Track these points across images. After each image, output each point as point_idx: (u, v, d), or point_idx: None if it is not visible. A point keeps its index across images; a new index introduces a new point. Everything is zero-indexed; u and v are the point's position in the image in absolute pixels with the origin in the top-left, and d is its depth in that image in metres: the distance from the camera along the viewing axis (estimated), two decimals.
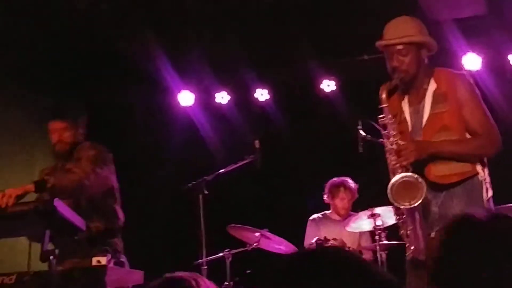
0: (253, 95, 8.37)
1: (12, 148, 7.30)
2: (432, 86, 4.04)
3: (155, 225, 7.96)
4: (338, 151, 7.51)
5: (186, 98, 8.48)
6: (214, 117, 8.45)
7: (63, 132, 4.87)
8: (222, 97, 8.45)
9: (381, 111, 4.06)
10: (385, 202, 5.90)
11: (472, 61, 7.49)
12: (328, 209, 6.80)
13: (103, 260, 4.33)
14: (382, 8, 7.37)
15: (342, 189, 6.64)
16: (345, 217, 6.62)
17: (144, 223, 7.48)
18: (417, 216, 3.87)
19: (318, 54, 7.87)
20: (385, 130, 4.06)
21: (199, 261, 5.95)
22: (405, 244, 5.76)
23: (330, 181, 6.73)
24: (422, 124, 4.03)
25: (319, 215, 6.80)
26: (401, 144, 3.92)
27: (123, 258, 4.78)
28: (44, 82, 7.60)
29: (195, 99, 8.49)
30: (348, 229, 6.24)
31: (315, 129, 8.03)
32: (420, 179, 3.81)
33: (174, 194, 6.99)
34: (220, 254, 6.18)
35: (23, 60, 7.27)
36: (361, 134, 5.84)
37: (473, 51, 7.48)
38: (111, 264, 4.41)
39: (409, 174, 3.84)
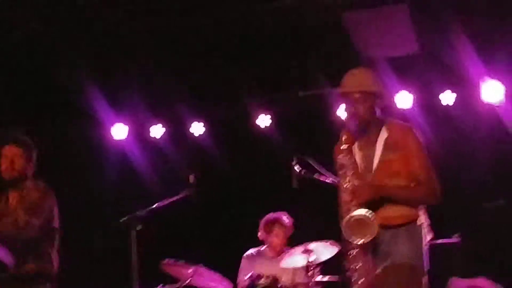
0: (189, 129, 8.33)
1: None
2: (383, 134, 4.32)
3: (88, 263, 7.73)
4: (273, 186, 7.52)
5: (119, 131, 8.40)
6: (149, 151, 8.39)
7: (16, 159, 4.85)
8: (157, 131, 8.39)
9: (340, 151, 4.31)
10: (319, 237, 6.02)
11: (404, 99, 7.63)
12: (263, 245, 6.77)
13: None
14: (318, 46, 7.54)
15: (277, 225, 6.63)
16: (280, 253, 6.59)
17: (77, 260, 7.32)
18: (367, 252, 4.12)
19: (254, 90, 7.93)
20: (341, 170, 4.30)
21: None
22: (339, 280, 5.94)
23: (265, 218, 6.71)
24: (372, 169, 4.28)
25: (253, 251, 6.75)
26: (357, 184, 4.20)
27: None
28: None
29: (129, 132, 8.42)
30: (282, 265, 6.21)
31: (251, 164, 8.05)
32: (373, 217, 4.06)
33: (107, 230, 6.88)
34: None
35: None
36: (295, 170, 5.87)
37: (405, 89, 7.63)
38: None
39: (363, 211, 4.09)
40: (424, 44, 7.28)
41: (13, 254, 4.49)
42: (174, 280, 6.23)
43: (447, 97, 7.65)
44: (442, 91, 7.65)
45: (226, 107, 8.24)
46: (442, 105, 7.66)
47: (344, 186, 4.23)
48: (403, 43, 7.30)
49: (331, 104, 7.78)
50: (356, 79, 4.37)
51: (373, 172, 4.26)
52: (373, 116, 4.34)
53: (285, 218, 6.66)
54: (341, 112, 7.82)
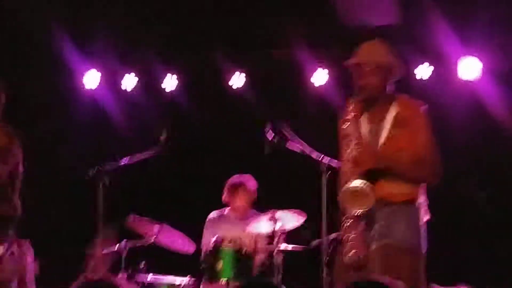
0: (162, 80, 8.22)
1: None
2: (394, 109, 4.32)
3: (53, 214, 7.69)
4: (244, 147, 7.49)
5: (91, 79, 8.27)
6: (121, 101, 8.28)
7: None
8: (129, 81, 8.27)
9: (345, 120, 4.33)
10: (285, 206, 6.05)
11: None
12: (226, 207, 6.79)
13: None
14: (294, 2, 7.47)
15: (241, 189, 6.63)
16: (244, 217, 6.63)
17: (42, 211, 7.28)
18: (362, 223, 4.18)
19: (228, 46, 7.83)
20: (345, 139, 4.32)
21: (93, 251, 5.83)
22: (300, 250, 5.98)
23: (229, 180, 6.70)
24: (378, 143, 4.30)
25: (216, 214, 6.77)
26: (360, 152, 4.21)
27: (16, 248, 4.62)
28: None
29: (101, 81, 8.28)
30: (249, 229, 6.24)
31: (223, 123, 8.00)
32: (370, 189, 4.10)
33: (74, 182, 6.82)
34: (116, 246, 6.06)
35: None
36: (267, 137, 5.83)
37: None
38: (7, 255, 4.30)
39: (362, 182, 4.11)
40: (403, 16, 7.25)
41: None
42: (138, 236, 6.23)
43: (423, 71, 7.63)
44: (416, 66, 7.62)
45: (199, 62, 8.14)
46: (416, 79, 7.65)
47: (347, 154, 4.24)
48: (384, 13, 7.26)
49: (304, 65, 7.77)
50: (371, 51, 4.37)
51: (379, 146, 4.28)
52: (384, 90, 4.34)
53: (250, 182, 6.67)
54: (317, 76, 7.84)
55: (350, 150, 4.24)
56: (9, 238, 4.52)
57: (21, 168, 4.73)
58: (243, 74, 8.07)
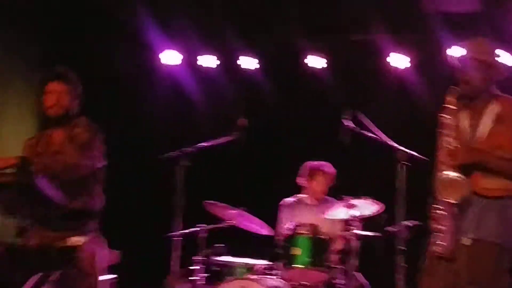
0: (240, 62, 8.25)
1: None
2: (494, 107, 4.33)
3: (130, 195, 7.82)
4: (321, 133, 7.47)
5: (171, 57, 8.37)
6: (200, 81, 8.36)
7: (62, 96, 4.71)
8: (209, 61, 8.34)
9: (446, 110, 4.33)
10: (360, 193, 6.04)
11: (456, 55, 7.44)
12: (300, 192, 6.81)
13: (80, 241, 4.35)
14: None
15: (320, 172, 6.64)
16: (320, 201, 6.65)
17: (119, 191, 7.43)
18: (453, 214, 4.18)
19: (308, 28, 7.79)
20: (443, 129, 4.34)
21: (173, 233, 5.96)
22: (376, 237, 5.98)
23: (309, 164, 6.71)
24: (477, 138, 4.29)
25: (292, 199, 6.79)
26: (455, 146, 4.24)
27: (99, 239, 4.73)
28: (29, 31, 7.47)
29: (182, 61, 8.39)
30: (326, 216, 6.27)
31: (301, 107, 7.99)
32: (465, 180, 4.12)
33: (151, 163, 6.94)
34: (195, 229, 6.18)
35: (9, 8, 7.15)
36: (345, 124, 5.82)
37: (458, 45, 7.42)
38: (88, 245, 4.41)
39: (457, 174, 4.14)
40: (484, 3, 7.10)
41: (62, 192, 4.48)
42: (216, 220, 6.33)
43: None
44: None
45: (278, 44, 8.13)
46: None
47: (444, 145, 4.27)
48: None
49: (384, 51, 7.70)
50: (478, 47, 4.38)
51: (478, 141, 4.27)
52: (487, 87, 4.35)
53: (330, 167, 6.67)
54: (394, 60, 7.74)
55: (445, 142, 4.26)
56: (90, 230, 4.61)
57: (103, 162, 4.78)
58: (323, 60, 8.02)
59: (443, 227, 4.18)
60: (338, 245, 6.45)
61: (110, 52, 7.98)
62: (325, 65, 8.04)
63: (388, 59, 7.75)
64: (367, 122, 5.60)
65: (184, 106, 8.25)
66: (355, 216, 5.99)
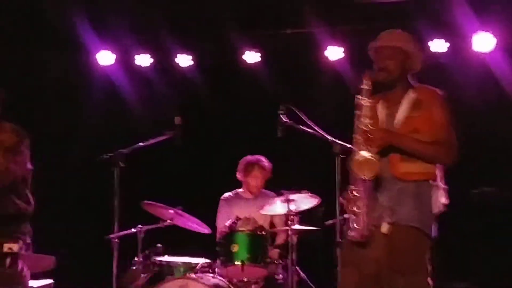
0: (175, 60, 8.22)
1: None
2: (411, 95, 4.32)
3: (66, 198, 7.76)
4: (257, 129, 7.48)
5: (105, 57, 8.27)
6: (135, 80, 8.29)
7: None
8: (143, 59, 8.27)
9: (360, 91, 4.27)
10: (298, 188, 6.07)
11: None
12: (240, 187, 6.83)
13: (15, 247, 4.27)
14: None
15: (256, 167, 6.67)
16: (257, 196, 6.68)
17: (54, 194, 7.34)
18: (369, 195, 4.15)
19: (241, 24, 7.79)
20: (358, 110, 4.26)
21: (111, 236, 5.90)
22: (317, 229, 6.01)
23: (244, 159, 6.74)
24: (394, 125, 4.30)
25: (230, 193, 6.81)
26: (371, 129, 4.18)
27: (31, 244, 4.67)
28: None
29: (115, 60, 8.29)
30: (262, 212, 6.29)
31: (236, 103, 7.99)
32: (380, 160, 4.10)
33: (87, 165, 6.86)
34: (133, 230, 6.12)
35: None
36: (281, 119, 5.83)
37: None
38: (23, 251, 4.34)
39: (369, 154, 4.10)
40: None
41: None
42: (154, 220, 6.28)
43: (438, 45, 7.60)
44: (431, 39, 7.58)
45: (213, 41, 8.12)
46: (431, 51, 7.61)
47: (360, 127, 4.21)
48: None
49: (319, 44, 7.74)
50: (391, 36, 4.39)
51: (394, 128, 4.27)
52: (402, 75, 4.34)
53: (265, 161, 6.71)
54: (330, 52, 7.80)
55: (362, 124, 4.20)
56: (24, 235, 4.54)
57: (30, 166, 4.75)
58: (257, 54, 8.04)
59: (357, 210, 4.14)
60: (277, 239, 6.49)
61: (44, 56, 7.88)
62: (260, 60, 8.05)
63: (325, 52, 7.81)
64: (303, 115, 5.61)
65: (119, 106, 8.16)
66: (293, 211, 6.02)
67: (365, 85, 4.25)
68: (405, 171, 4.19)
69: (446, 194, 4.29)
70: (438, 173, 4.27)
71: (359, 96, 4.27)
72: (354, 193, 4.18)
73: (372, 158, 4.08)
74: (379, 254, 4.14)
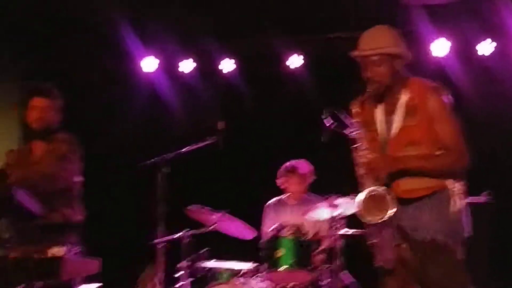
0: (218, 65, 8.23)
1: None
2: (404, 96, 4.07)
3: (111, 204, 7.79)
4: (301, 133, 7.45)
5: (149, 64, 8.32)
6: (178, 86, 8.32)
7: (45, 111, 4.94)
8: (187, 65, 8.30)
9: (352, 124, 4.15)
10: (343, 192, 6.01)
11: (440, 47, 7.53)
12: (283, 193, 6.79)
13: (60, 252, 4.32)
14: None
15: (294, 174, 6.62)
16: (302, 201, 6.63)
17: (99, 200, 7.37)
18: (386, 228, 3.96)
19: (284, 29, 7.77)
20: (355, 144, 4.12)
21: (156, 241, 5.93)
22: (363, 234, 5.93)
23: (283, 166, 6.69)
24: (390, 135, 4.08)
25: (274, 200, 6.79)
26: (371, 158, 4.01)
27: (78, 250, 4.77)
28: (11, 46, 7.44)
29: (159, 66, 8.34)
30: (307, 218, 6.25)
31: (279, 106, 7.96)
32: (388, 193, 3.90)
33: (131, 170, 6.89)
34: (178, 235, 6.13)
35: None
36: (325, 123, 5.78)
37: (442, 37, 7.51)
38: (67, 256, 4.40)
39: (377, 188, 3.94)
40: None
41: (41, 204, 4.56)
42: (199, 225, 6.29)
43: (484, 47, 7.49)
44: (479, 41, 7.48)
45: (257, 45, 8.10)
46: (478, 55, 7.51)
47: (359, 160, 4.07)
48: None
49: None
50: (373, 41, 4.08)
51: (390, 139, 4.05)
52: (394, 78, 4.07)
53: (303, 166, 6.65)
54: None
55: (360, 156, 4.06)
56: (69, 242, 4.63)
57: (80, 177, 4.89)
58: (300, 58, 8.01)
59: (378, 243, 3.99)
60: (322, 244, 6.43)
61: (88, 62, 7.95)
62: (303, 64, 8.03)
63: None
64: (347, 120, 5.54)
65: (163, 112, 8.19)
66: (337, 216, 5.97)
67: (354, 115, 4.12)
68: (412, 189, 3.98)
69: (463, 194, 4.03)
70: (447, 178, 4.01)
71: (350, 130, 4.13)
72: (369, 229, 4.04)
73: (381, 192, 3.90)
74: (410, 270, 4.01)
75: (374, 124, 4.15)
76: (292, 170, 6.63)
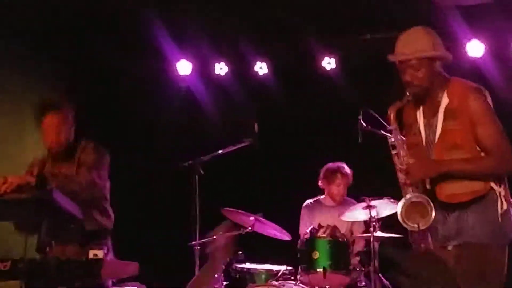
0: (252, 67, 8.26)
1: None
2: (445, 100, 4.00)
3: (148, 206, 7.84)
4: (336, 134, 7.44)
5: (184, 67, 8.38)
6: (212, 88, 8.36)
7: (60, 128, 4.85)
8: (221, 68, 8.34)
9: (388, 131, 4.12)
10: (378, 194, 6.00)
11: (475, 48, 7.48)
12: (320, 194, 6.81)
13: (100, 254, 4.37)
14: None
15: (338, 175, 6.63)
16: (340, 203, 6.63)
17: (137, 203, 7.46)
18: (428, 233, 3.91)
19: (318, 30, 7.77)
20: (394, 150, 4.08)
21: (193, 243, 5.97)
22: (397, 236, 5.91)
23: (326, 166, 6.71)
24: (435, 139, 4.02)
25: (312, 201, 6.80)
26: (410, 163, 3.96)
27: (113, 253, 4.87)
28: (42, 48, 7.50)
29: (193, 69, 8.38)
30: (343, 218, 6.25)
31: (313, 108, 7.96)
32: (429, 202, 3.85)
33: (168, 172, 6.96)
34: (214, 237, 6.15)
35: (20, 23, 7.16)
36: (361, 124, 5.79)
37: (477, 38, 7.45)
38: (107, 258, 4.46)
39: (418, 195, 3.89)
40: None
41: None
42: (235, 226, 6.30)
43: None
44: None
45: (290, 48, 8.11)
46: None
47: (399, 166, 4.01)
48: None
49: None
50: (410, 44, 3.98)
51: (434, 142, 3.98)
52: (434, 80, 3.98)
53: (346, 168, 6.67)
54: None
55: (400, 162, 4.01)
56: (107, 245, 4.77)
57: (109, 182, 4.97)
58: (335, 60, 8.01)
59: (419, 246, 3.92)
60: (358, 246, 6.43)
61: (124, 65, 8.00)
62: (338, 65, 8.02)
63: None
64: (383, 120, 5.53)
65: (198, 114, 8.23)
66: (373, 217, 5.96)
67: (392, 123, 4.05)
68: (455, 193, 3.90)
69: (504, 199, 3.93)
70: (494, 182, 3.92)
71: (390, 135, 4.07)
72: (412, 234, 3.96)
73: (422, 199, 3.84)
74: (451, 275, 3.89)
75: (417, 128, 4.09)
76: (336, 170, 6.65)
